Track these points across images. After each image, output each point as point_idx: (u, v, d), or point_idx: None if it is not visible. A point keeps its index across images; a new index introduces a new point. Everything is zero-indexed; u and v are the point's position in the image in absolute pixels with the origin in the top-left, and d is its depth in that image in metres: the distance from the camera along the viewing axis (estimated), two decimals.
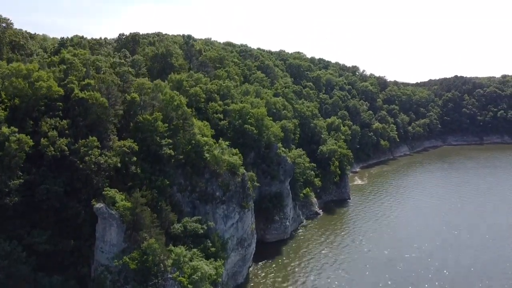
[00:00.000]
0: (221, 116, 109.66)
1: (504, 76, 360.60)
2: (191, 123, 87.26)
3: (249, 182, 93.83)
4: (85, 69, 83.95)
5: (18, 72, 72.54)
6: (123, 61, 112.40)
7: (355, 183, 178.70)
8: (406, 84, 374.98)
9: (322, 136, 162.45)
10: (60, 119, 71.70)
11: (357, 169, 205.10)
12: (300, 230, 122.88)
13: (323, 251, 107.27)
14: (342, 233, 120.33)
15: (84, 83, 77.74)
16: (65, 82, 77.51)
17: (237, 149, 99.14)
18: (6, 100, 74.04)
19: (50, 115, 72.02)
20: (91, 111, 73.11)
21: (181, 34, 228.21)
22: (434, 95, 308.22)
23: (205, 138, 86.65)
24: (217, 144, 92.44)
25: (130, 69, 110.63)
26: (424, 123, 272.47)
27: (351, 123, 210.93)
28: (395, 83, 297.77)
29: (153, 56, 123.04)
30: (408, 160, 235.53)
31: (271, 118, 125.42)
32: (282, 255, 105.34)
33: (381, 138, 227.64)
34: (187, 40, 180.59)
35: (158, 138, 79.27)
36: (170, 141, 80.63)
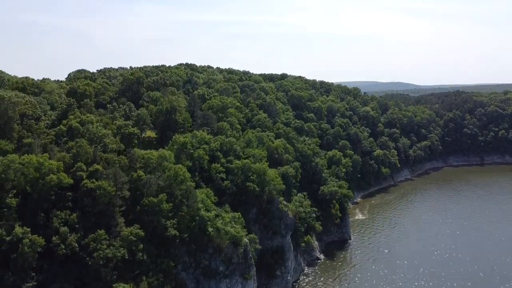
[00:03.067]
0: (224, 175, 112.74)
1: (506, 92, 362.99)
2: (194, 198, 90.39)
3: (251, 250, 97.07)
4: (92, 149, 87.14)
5: (30, 164, 75.86)
6: (128, 122, 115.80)
7: (356, 217, 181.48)
8: (407, 99, 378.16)
9: (323, 175, 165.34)
10: (70, 211, 75.01)
11: (358, 199, 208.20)
12: (301, 280, 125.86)
13: None
14: (344, 283, 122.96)
15: (92, 169, 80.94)
16: (74, 168, 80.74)
17: (239, 213, 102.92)
18: (17, 186, 77.71)
19: (61, 207, 75.27)
20: (99, 201, 76.35)
21: (183, 63, 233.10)
22: (436, 114, 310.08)
23: (208, 214, 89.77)
24: (220, 213, 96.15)
25: (136, 130, 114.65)
26: (425, 145, 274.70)
27: (352, 152, 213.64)
28: (397, 104, 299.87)
29: (158, 111, 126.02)
30: (409, 186, 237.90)
31: (273, 170, 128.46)
32: None
33: (382, 165, 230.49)
34: (190, 78, 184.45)
35: (163, 219, 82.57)
36: (175, 221, 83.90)
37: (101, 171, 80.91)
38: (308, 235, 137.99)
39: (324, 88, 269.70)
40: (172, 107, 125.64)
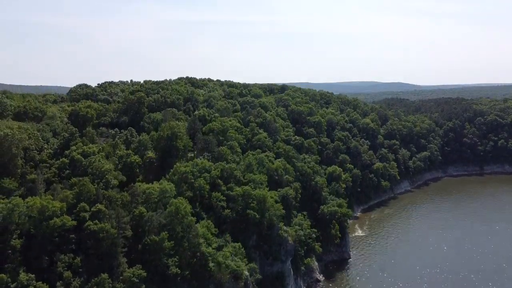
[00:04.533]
0: (224, 204, 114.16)
1: (505, 100, 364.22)
2: (195, 233, 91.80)
3: (251, 281, 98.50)
4: (95, 187, 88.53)
5: (34, 207, 77.32)
6: (130, 151, 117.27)
7: (356, 234, 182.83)
8: (407, 106, 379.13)
9: (323, 193, 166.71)
10: (73, 253, 76.45)
11: (358, 213, 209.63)
12: None
13: None
14: None
15: (95, 209, 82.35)
16: (77, 209, 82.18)
17: (239, 244, 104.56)
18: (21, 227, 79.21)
19: (64, 249, 76.70)
20: (102, 243, 77.78)
21: (184, 77, 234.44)
22: (435, 124, 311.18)
23: (209, 250, 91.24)
24: (221, 244, 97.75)
25: (137, 159, 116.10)
26: (425, 156, 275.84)
27: (352, 166, 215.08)
28: (396, 114, 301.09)
29: (159, 137, 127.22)
30: (409, 199, 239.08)
31: (273, 193, 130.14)
32: None
33: (381, 178, 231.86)
34: (191, 96, 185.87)
35: (165, 258, 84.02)
36: (176, 259, 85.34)
37: (104, 211, 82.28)
38: (308, 258, 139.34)
39: (324, 99, 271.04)
40: (173, 133, 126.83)
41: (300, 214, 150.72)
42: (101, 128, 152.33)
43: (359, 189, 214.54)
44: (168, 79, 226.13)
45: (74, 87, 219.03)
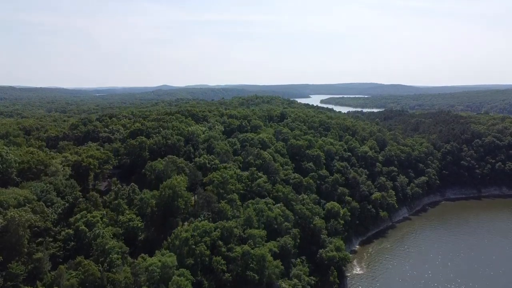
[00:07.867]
0: (225, 268, 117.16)
1: (503, 119, 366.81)
2: None
3: None
4: (99, 270, 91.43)
5: None
6: (132, 214, 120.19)
7: (354, 272, 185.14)
8: (405, 123, 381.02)
9: (322, 236, 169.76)
10: None
11: (356, 247, 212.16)
12: None
13: None
14: None
15: None
16: None
17: None
18: None
19: None
20: None
21: (185, 111, 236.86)
22: (433, 147, 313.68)
23: None
24: None
25: (140, 223, 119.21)
26: (423, 181, 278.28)
27: (351, 198, 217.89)
28: (395, 138, 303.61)
29: (160, 196, 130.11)
30: (407, 228, 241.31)
31: (273, 244, 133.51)
32: None
33: (380, 208, 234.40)
34: (191, 136, 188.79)
35: None
36: None
37: None
38: None
39: (323, 126, 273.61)
40: (174, 192, 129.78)
41: (298, 259, 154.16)
42: (104, 170, 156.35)
43: (357, 221, 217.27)
44: (168, 111, 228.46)
45: (76, 121, 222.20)
